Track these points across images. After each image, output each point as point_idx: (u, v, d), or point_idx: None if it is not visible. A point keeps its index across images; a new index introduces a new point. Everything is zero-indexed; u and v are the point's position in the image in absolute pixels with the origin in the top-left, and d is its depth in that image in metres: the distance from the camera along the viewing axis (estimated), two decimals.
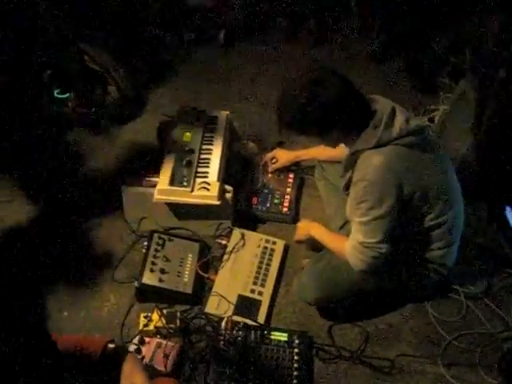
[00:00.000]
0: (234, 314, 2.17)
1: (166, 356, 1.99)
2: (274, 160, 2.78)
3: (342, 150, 2.45)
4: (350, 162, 1.96)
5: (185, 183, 2.34)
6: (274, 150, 2.80)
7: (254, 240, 2.45)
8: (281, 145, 2.97)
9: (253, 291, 2.26)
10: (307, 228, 2.27)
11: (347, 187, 2.05)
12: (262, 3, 4.14)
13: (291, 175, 2.78)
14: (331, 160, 2.50)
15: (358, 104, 1.87)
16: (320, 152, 2.59)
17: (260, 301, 2.24)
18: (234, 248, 2.40)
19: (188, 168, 2.40)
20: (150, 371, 1.91)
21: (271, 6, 4.13)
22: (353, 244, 1.94)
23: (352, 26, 4.16)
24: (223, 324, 2.10)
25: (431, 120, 3.04)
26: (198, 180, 2.37)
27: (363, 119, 1.87)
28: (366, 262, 1.92)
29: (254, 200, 2.66)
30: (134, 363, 1.64)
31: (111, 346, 1.68)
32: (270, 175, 2.77)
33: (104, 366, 1.63)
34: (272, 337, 2.09)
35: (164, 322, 2.11)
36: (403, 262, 2.09)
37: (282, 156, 2.76)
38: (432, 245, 2.08)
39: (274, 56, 3.87)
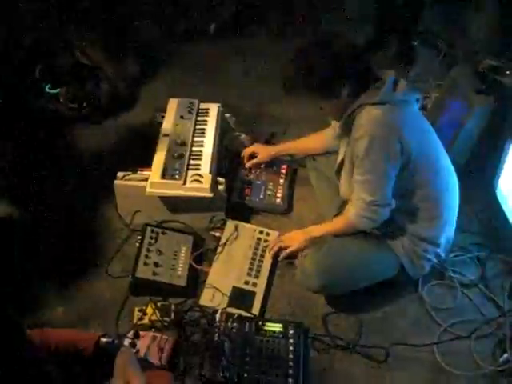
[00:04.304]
0: (229, 305, 2.16)
1: (161, 349, 1.98)
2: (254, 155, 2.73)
3: (320, 144, 2.53)
4: (347, 122, 1.99)
5: (177, 176, 2.33)
6: (253, 146, 2.76)
7: (248, 231, 2.45)
8: (273, 136, 2.96)
9: (247, 283, 2.26)
10: (305, 234, 2.24)
11: (339, 170, 2.06)
12: None
13: (284, 166, 2.77)
14: (309, 154, 2.57)
15: (364, 64, 1.97)
16: (298, 146, 2.64)
17: (254, 292, 2.23)
18: (227, 240, 2.39)
19: (180, 161, 2.39)
20: (145, 364, 1.91)
21: None
22: (360, 206, 1.97)
23: (344, 17, 4.16)
24: (218, 316, 2.10)
25: (423, 107, 3.03)
26: (190, 172, 2.36)
27: (370, 79, 1.95)
28: (377, 220, 1.98)
29: (247, 191, 2.65)
30: (128, 357, 1.62)
31: (104, 340, 1.68)
32: (261, 167, 2.74)
33: (97, 361, 1.62)
34: (267, 328, 2.08)
35: (158, 315, 2.10)
36: (395, 235, 2.11)
37: (261, 151, 2.71)
38: (423, 221, 2.08)
39: (265, 48, 3.84)
